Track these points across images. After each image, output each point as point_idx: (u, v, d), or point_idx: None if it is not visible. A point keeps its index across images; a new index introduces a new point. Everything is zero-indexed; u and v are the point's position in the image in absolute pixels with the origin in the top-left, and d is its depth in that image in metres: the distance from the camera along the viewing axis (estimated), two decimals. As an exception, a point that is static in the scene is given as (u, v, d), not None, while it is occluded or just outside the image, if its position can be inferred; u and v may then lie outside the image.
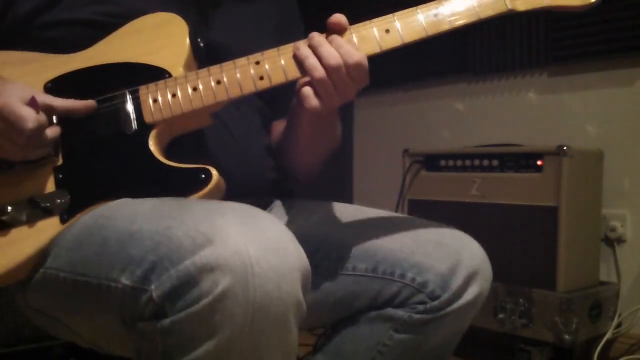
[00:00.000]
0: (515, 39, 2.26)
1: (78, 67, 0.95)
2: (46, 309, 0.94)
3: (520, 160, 1.91)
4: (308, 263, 0.75)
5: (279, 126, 1.15)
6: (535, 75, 2.27)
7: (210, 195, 0.86)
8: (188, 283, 0.68)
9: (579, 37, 2.10)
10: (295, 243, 0.75)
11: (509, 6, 0.88)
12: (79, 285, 0.82)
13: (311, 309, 0.76)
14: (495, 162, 1.96)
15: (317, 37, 0.89)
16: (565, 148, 1.82)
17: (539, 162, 1.87)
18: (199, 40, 0.96)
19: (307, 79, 0.89)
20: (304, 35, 0.92)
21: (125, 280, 0.75)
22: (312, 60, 0.87)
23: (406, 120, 2.67)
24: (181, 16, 0.95)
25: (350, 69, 0.87)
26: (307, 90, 0.89)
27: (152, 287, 0.71)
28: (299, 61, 0.89)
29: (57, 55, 0.96)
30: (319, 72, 0.87)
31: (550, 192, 1.83)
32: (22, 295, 0.94)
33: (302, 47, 0.89)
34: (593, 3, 0.87)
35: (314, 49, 0.88)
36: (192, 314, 0.68)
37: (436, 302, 0.95)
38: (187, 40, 0.94)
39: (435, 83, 2.55)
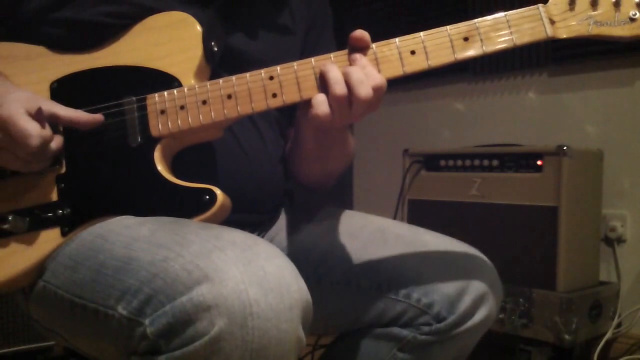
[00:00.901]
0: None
1: (86, 68, 0.91)
2: (46, 322, 0.93)
3: (520, 160, 1.91)
4: (309, 296, 0.73)
5: (291, 135, 1.10)
6: (535, 75, 2.27)
7: (214, 217, 0.83)
8: (184, 321, 0.66)
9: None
10: (296, 276, 0.72)
11: (549, 33, 0.82)
12: (76, 306, 0.81)
13: (315, 319, 0.75)
14: (495, 162, 1.96)
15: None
16: (565, 148, 1.81)
17: (539, 162, 1.86)
18: (212, 44, 0.90)
19: None
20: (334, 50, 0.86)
21: (121, 310, 0.73)
22: (337, 74, 0.82)
23: (406, 120, 2.67)
24: (198, 16, 0.90)
25: (372, 92, 0.82)
26: (321, 97, 0.83)
27: (147, 321, 0.69)
28: (322, 73, 0.84)
29: (65, 52, 0.92)
30: (342, 88, 0.81)
31: (550, 192, 1.83)
32: (24, 303, 0.93)
33: (326, 60, 0.84)
34: None
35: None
36: (188, 354, 0.66)
37: (442, 325, 0.93)
38: (200, 45, 0.89)
39: (435, 83, 2.55)
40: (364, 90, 0.81)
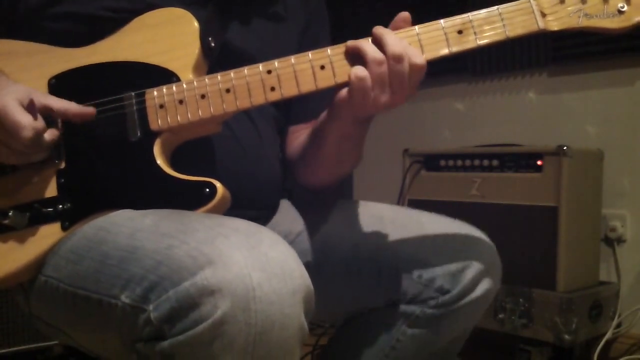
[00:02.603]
0: (515, 39, 2.26)
1: (84, 64, 0.92)
2: (47, 318, 0.93)
3: (520, 160, 1.91)
4: (311, 283, 0.73)
5: (295, 134, 1.11)
6: (535, 75, 2.27)
7: (214, 210, 0.84)
8: (188, 305, 0.67)
9: (579, 37, 2.10)
10: (299, 263, 0.73)
11: (541, 26, 0.84)
12: (79, 299, 0.81)
13: (318, 307, 0.75)
14: (495, 162, 1.96)
15: (380, 28, 0.84)
16: (565, 148, 1.81)
17: (539, 162, 1.86)
18: (209, 39, 0.91)
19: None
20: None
21: (125, 298, 0.74)
22: (371, 47, 0.83)
23: (406, 120, 2.67)
24: (196, 12, 0.91)
25: (413, 68, 0.82)
26: (359, 67, 0.83)
27: (151, 307, 0.70)
28: (354, 50, 0.84)
29: (63, 48, 0.93)
30: (379, 56, 0.82)
31: (550, 192, 1.83)
32: (24, 300, 0.94)
33: (358, 40, 0.85)
34: (630, 26, 0.83)
35: (378, 37, 0.83)
36: (191, 338, 0.66)
37: (447, 297, 0.95)
38: (198, 41, 0.90)
39: (435, 83, 2.55)
40: (398, 48, 0.82)
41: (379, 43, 0.83)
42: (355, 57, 0.85)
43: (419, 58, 0.83)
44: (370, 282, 0.99)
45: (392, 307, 0.98)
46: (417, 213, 1.06)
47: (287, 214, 1.10)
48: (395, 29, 0.86)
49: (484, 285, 0.96)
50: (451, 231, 1.01)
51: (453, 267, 0.95)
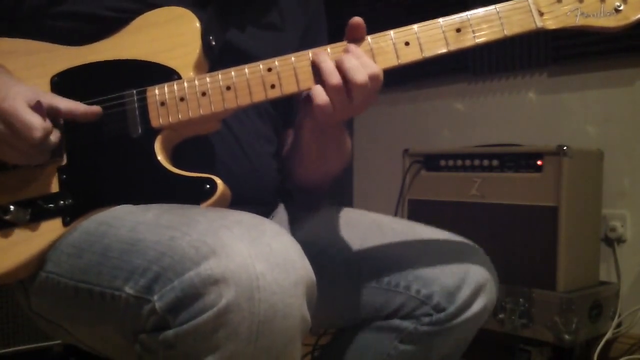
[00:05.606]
0: (515, 39, 2.25)
1: (87, 62, 0.92)
2: (48, 314, 0.93)
3: (520, 160, 1.91)
4: (314, 276, 0.74)
5: (290, 137, 1.12)
6: (535, 75, 2.27)
7: (214, 206, 0.84)
8: (192, 295, 0.67)
9: (579, 37, 2.10)
10: (302, 255, 0.73)
11: (538, 24, 0.84)
12: (80, 292, 0.82)
13: (315, 313, 0.75)
14: (495, 162, 1.96)
15: (342, 53, 0.85)
16: (565, 148, 1.81)
17: (539, 162, 1.87)
18: (210, 38, 0.93)
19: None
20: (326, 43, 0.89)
21: (129, 289, 0.74)
22: (329, 65, 0.85)
23: (406, 120, 2.67)
24: (197, 12, 0.92)
25: (371, 79, 0.84)
26: (319, 88, 0.85)
27: (155, 297, 0.70)
28: (315, 65, 0.86)
29: (65, 46, 0.94)
30: (336, 77, 0.84)
31: (550, 192, 1.83)
32: (24, 297, 0.94)
33: (321, 51, 0.86)
34: (627, 25, 0.83)
35: (338, 64, 0.85)
36: (196, 327, 0.67)
37: (442, 315, 0.94)
38: (199, 40, 0.91)
39: (435, 83, 2.55)
40: (360, 76, 0.83)
41: (338, 67, 0.84)
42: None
43: (372, 69, 0.84)
44: (369, 290, 0.98)
45: (386, 320, 0.98)
46: (414, 225, 1.07)
47: (289, 217, 1.10)
48: (350, 37, 0.87)
49: (480, 302, 0.96)
50: (449, 245, 1.01)
51: (450, 283, 0.94)
